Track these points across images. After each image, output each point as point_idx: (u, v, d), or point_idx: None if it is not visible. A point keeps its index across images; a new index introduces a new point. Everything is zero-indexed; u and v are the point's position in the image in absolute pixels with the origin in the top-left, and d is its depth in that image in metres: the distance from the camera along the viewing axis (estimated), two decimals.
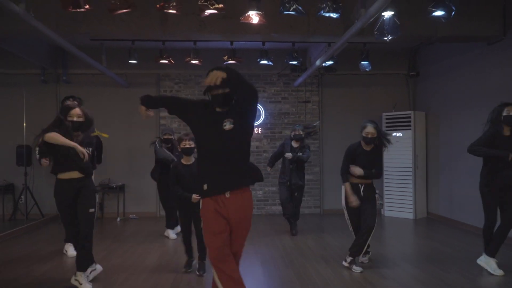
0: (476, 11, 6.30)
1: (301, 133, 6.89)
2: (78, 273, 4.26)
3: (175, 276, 4.70)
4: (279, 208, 9.18)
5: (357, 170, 4.81)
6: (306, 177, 9.21)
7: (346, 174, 5.00)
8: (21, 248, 6.15)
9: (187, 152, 4.82)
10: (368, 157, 4.85)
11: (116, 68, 8.49)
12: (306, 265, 5.17)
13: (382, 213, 9.02)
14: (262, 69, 8.89)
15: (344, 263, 5.03)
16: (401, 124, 8.71)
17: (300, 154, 6.80)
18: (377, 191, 5.08)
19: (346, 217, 5.11)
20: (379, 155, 4.95)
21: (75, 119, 4.28)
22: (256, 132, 9.18)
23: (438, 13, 4.55)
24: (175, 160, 6.25)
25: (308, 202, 9.26)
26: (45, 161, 4.62)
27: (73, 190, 4.23)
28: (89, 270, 4.42)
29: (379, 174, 4.92)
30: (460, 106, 7.59)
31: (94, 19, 5.82)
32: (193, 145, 4.77)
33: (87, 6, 4.29)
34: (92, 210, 4.29)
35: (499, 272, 4.64)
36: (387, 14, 4.47)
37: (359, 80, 9.28)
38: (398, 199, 8.74)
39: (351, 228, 5.11)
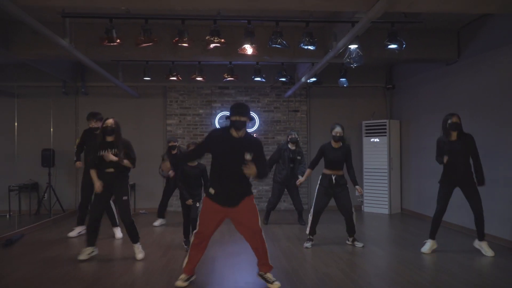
0: (434, 37, 7.58)
1: (296, 136, 8.12)
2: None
3: (184, 253, 5.92)
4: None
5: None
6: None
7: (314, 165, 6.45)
8: (52, 235, 7.34)
9: None
10: (336, 153, 6.10)
11: (128, 81, 9.70)
12: (291, 247, 6.39)
13: (362, 209, 10.25)
14: (256, 82, 10.09)
15: (347, 242, 6.41)
16: (378, 131, 9.95)
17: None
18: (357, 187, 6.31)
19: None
20: (347, 151, 6.27)
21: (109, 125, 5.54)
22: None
23: (392, 46, 5.79)
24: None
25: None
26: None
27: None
28: (90, 250, 5.66)
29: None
30: (427, 115, 8.83)
31: (116, 47, 7.03)
32: None
33: (118, 41, 5.51)
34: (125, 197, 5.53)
35: (490, 253, 5.68)
36: (353, 46, 5.69)
37: (342, 92, 10.52)
38: (376, 197, 9.96)
39: (311, 211, 6.38)
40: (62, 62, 9.44)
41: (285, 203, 10.47)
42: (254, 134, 10.39)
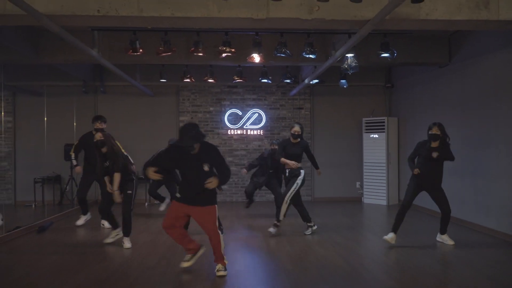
0: (427, 43, 8.23)
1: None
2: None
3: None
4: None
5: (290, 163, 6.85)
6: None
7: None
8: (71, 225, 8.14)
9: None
10: (294, 147, 6.86)
11: (144, 81, 10.41)
12: (294, 233, 7.12)
13: (362, 200, 10.96)
14: (263, 82, 10.80)
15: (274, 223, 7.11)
16: (378, 127, 10.61)
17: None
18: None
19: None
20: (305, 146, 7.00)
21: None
22: (258, 134, 11.13)
23: (385, 55, 6.46)
24: None
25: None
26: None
27: None
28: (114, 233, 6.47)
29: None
30: (422, 113, 9.49)
31: (135, 54, 7.73)
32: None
33: (141, 50, 6.23)
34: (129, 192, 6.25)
35: (451, 242, 6.33)
36: (350, 55, 6.35)
37: (344, 91, 11.11)
38: (375, 189, 10.66)
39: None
40: (83, 64, 10.15)
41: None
42: (261, 131, 11.09)
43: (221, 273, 4.91)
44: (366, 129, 10.83)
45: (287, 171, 6.92)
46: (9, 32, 7.04)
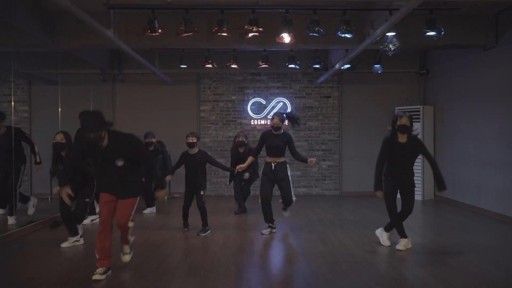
0: (472, 23, 7.49)
1: (244, 140, 7.99)
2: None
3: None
4: (303, 190, 10.56)
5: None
6: (327, 163, 10.60)
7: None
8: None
9: (190, 145, 6.32)
10: (276, 139, 6.21)
11: (163, 68, 9.89)
12: (326, 231, 6.54)
13: None
14: (288, 68, 10.18)
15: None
16: (412, 117, 9.88)
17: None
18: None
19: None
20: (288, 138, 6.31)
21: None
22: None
23: (430, 33, 5.78)
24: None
25: (328, 185, 10.60)
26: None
27: None
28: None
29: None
30: (462, 101, 8.76)
31: (156, 36, 7.20)
32: (195, 140, 6.34)
33: (160, 31, 5.68)
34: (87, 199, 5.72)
35: (388, 243, 5.62)
36: (390, 34, 5.70)
37: (375, 78, 10.48)
38: None
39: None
40: (100, 50, 9.70)
41: (317, 188, 10.61)
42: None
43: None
44: None
45: (273, 165, 6.22)
46: (23, 15, 6.60)
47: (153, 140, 8.18)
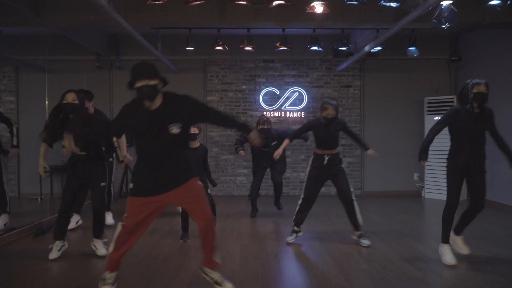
0: None
1: (269, 127, 6.83)
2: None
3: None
4: (322, 189, 9.54)
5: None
6: (347, 159, 9.58)
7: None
8: (84, 224, 6.65)
9: (191, 137, 5.23)
10: (328, 130, 5.12)
11: (166, 55, 8.83)
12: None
13: (422, 195, 9.28)
14: (304, 54, 9.17)
15: (353, 236, 5.35)
16: (443, 109, 8.87)
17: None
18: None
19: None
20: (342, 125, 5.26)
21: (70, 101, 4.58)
22: (299, 116, 9.51)
23: (494, 2, 4.75)
24: None
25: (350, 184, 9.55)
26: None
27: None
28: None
29: None
30: (503, 92, 7.73)
31: (158, 10, 6.18)
32: (197, 131, 5.29)
33: None
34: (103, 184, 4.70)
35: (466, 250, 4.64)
36: (445, 3, 4.68)
37: (400, 65, 9.46)
38: (439, 182, 8.94)
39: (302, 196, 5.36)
40: (95, 34, 8.68)
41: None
42: (301, 114, 9.46)
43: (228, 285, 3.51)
44: (429, 111, 9.09)
45: (326, 158, 5.17)
46: None
47: None
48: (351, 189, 5.24)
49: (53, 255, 4.66)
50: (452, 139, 4.66)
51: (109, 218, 6.46)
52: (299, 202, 5.39)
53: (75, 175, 4.67)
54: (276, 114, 9.49)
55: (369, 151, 5.25)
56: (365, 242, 5.21)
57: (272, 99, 9.53)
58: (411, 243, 5.36)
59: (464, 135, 4.48)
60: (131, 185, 3.39)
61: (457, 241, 4.70)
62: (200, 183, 3.46)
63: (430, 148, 8.82)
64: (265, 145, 6.56)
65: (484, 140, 4.53)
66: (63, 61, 9.11)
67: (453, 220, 4.65)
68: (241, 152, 6.82)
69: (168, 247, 5.22)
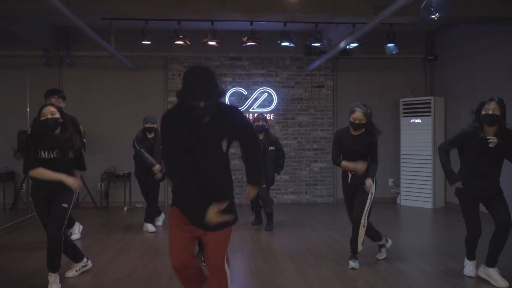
0: None
1: (264, 124, 6.24)
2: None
3: None
4: (291, 197, 8.93)
5: (359, 165, 4.44)
6: (319, 164, 8.99)
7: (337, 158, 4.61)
8: (26, 239, 5.80)
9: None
10: (355, 141, 4.45)
11: (122, 50, 8.01)
12: (373, 262, 4.89)
13: (398, 202, 8.78)
14: (274, 52, 8.54)
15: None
16: (420, 110, 8.40)
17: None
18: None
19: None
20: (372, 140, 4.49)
21: (49, 116, 3.87)
22: (268, 118, 8.84)
23: None
24: (154, 164, 6.00)
25: (321, 191, 8.98)
26: None
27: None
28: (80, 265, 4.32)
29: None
30: (483, 91, 7.29)
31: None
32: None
33: None
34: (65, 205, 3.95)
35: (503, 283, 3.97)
36: None
37: (375, 64, 8.95)
38: (416, 188, 8.47)
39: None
40: (41, 26, 7.77)
41: (307, 195, 8.97)
42: (271, 116, 8.80)
43: None
44: (405, 113, 8.60)
45: (350, 174, 4.55)
46: None
47: (155, 126, 6.25)
48: (365, 213, 4.48)
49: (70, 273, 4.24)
50: (461, 162, 4.19)
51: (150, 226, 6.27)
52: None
53: (44, 197, 3.94)
54: None
55: (368, 181, 4.50)
56: (351, 264, 4.57)
57: (239, 100, 8.83)
58: (395, 263, 4.74)
59: (474, 158, 4.03)
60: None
61: (491, 274, 4.04)
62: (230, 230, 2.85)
63: (408, 153, 8.34)
64: (262, 151, 6.01)
65: (497, 165, 4.04)
66: (5, 57, 8.16)
67: (477, 244, 4.18)
68: None
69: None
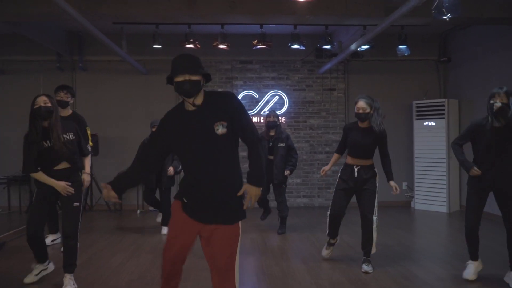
0: None
1: (276, 120, 6.21)
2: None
3: None
4: (304, 200, 8.88)
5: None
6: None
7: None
8: None
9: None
10: (363, 135, 4.44)
11: (134, 55, 8.07)
12: (395, 265, 4.84)
13: (412, 205, 8.68)
14: (285, 55, 8.53)
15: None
16: (434, 113, 8.31)
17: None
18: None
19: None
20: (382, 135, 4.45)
21: (42, 104, 3.88)
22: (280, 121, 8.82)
23: None
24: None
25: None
26: None
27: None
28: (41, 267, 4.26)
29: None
30: None
31: (118, 2, 5.45)
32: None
33: None
34: (76, 204, 3.96)
35: None
36: None
37: (387, 67, 8.88)
38: (430, 192, 8.36)
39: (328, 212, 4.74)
40: (54, 31, 7.87)
41: (320, 199, 8.92)
42: (282, 119, 8.76)
43: None
44: (419, 115, 8.51)
45: (356, 168, 4.50)
46: None
47: None
48: (375, 212, 4.46)
49: (29, 279, 4.12)
50: (474, 154, 4.16)
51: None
52: (327, 218, 4.74)
53: (45, 195, 3.93)
54: (255, 119, 8.77)
55: (392, 183, 4.48)
56: (365, 267, 4.51)
57: (250, 103, 8.82)
58: (409, 267, 4.68)
59: (485, 150, 3.98)
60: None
61: None
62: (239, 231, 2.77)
63: (422, 156, 8.25)
64: (270, 151, 6.05)
65: (509, 156, 3.96)
66: (20, 62, 8.29)
67: (478, 239, 4.11)
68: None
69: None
